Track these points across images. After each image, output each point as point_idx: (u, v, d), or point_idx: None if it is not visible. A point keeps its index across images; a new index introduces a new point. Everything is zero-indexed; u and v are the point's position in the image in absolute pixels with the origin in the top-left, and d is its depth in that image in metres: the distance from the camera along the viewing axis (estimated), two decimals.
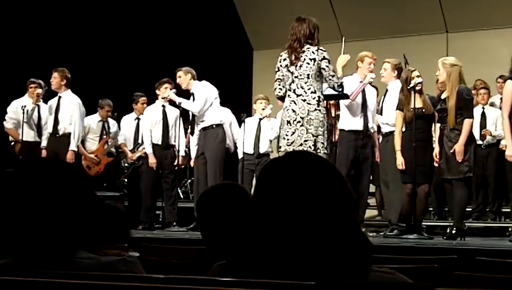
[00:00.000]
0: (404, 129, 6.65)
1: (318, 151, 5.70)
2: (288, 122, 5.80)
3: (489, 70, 9.28)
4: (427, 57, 8.93)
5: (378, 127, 7.36)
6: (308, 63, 5.78)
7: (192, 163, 8.42)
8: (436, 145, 6.50)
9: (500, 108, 8.33)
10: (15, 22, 10.18)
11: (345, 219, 1.34)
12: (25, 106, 8.25)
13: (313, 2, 10.65)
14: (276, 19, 11.22)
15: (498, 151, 8.42)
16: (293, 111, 5.79)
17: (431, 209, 8.47)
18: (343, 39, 6.77)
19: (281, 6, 11.20)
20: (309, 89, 5.78)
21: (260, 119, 8.57)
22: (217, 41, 11.57)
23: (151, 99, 8.65)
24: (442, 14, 10.80)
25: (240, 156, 8.61)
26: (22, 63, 9.71)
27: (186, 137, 8.56)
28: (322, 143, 5.77)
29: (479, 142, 8.29)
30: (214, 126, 7.72)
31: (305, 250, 1.30)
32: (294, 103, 5.79)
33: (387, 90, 7.25)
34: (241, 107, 9.14)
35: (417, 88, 6.54)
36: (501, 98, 8.68)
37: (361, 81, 7.08)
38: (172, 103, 8.23)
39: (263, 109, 8.51)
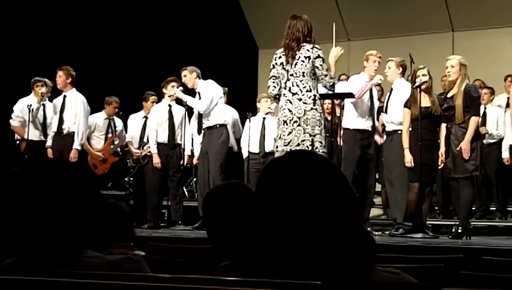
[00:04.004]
0: (410, 128, 6.64)
1: (316, 150, 5.63)
2: (285, 122, 5.73)
3: (495, 68, 9.27)
4: (433, 55, 8.92)
5: (383, 125, 7.35)
6: (303, 61, 5.71)
7: (195, 161, 8.42)
8: (442, 145, 6.48)
9: (507, 106, 8.33)
10: (21, 20, 10.19)
11: (347, 216, 1.34)
12: (30, 105, 8.25)
13: (319, 0, 10.64)
14: (281, 18, 11.18)
15: (499, 150, 8.40)
16: (289, 111, 5.72)
17: (436, 208, 8.45)
18: (334, 26, 6.38)
19: (286, 5, 11.18)
20: (304, 87, 5.71)
21: (264, 118, 8.56)
22: (223, 40, 11.58)
23: (157, 98, 8.65)
24: (448, 13, 10.78)
25: (245, 155, 8.60)
26: (28, 62, 9.71)
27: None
28: (320, 142, 5.71)
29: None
30: (218, 126, 7.71)
31: (308, 248, 1.30)
32: (290, 102, 5.72)
33: (392, 88, 7.24)
34: (246, 106, 9.13)
35: (423, 87, 6.53)
36: (508, 98, 8.68)
37: (368, 81, 7.06)
38: (178, 101, 8.23)
39: (269, 108, 8.49)
